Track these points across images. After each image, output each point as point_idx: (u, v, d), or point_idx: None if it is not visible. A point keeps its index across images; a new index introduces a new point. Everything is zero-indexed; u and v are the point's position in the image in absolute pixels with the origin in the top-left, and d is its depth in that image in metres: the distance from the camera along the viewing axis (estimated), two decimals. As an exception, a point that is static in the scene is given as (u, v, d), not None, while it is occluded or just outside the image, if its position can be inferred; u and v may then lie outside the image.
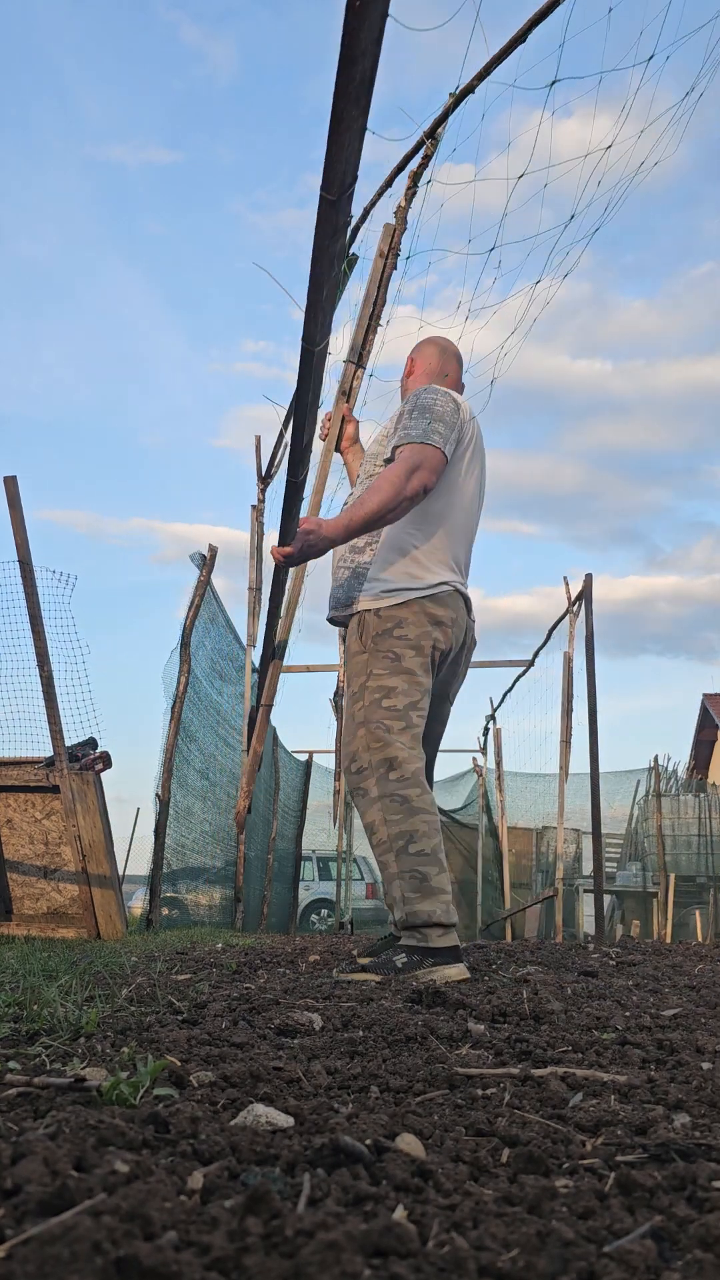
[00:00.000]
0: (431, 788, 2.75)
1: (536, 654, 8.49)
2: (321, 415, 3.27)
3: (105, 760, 4.67)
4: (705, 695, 22.68)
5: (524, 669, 9.03)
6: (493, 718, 11.06)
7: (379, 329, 3.55)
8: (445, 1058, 1.34)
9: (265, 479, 6.22)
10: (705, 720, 22.66)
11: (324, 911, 15.19)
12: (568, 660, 7.02)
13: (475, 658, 2.98)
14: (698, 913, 11.11)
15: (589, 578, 6.38)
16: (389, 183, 3.74)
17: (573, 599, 6.83)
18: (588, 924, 11.83)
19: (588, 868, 12.28)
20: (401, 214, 3.50)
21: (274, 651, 3.01)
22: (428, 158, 3.53)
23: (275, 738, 10.05)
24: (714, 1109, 1.09)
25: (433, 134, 3.45)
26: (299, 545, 2.45)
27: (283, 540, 2.37)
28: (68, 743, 4.58)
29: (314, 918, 15.29)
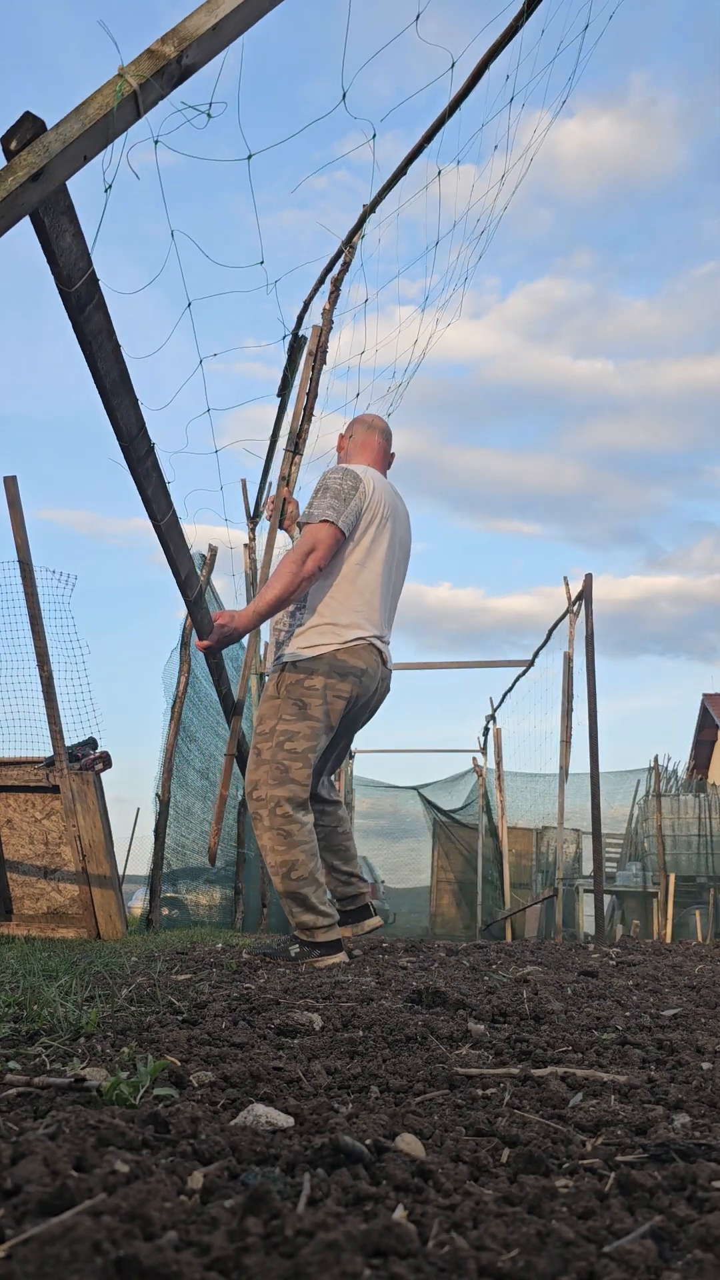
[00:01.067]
0: (339, 794, 3.32)
1: (536, 654, 8.49)
2: (267, 497, 3.77)
3: (105, 760, 4.67)
4: (705, 695, 22.68)
5: (524, 669, 9.03)
6: (493, 718, 11.06)
7: (313, 419, 4.02)
8: (445, 1058, 1.34)
9: (253, 519, 6.30)
10: (705, 720, 22.66)
11: (324, 911, 15.14)
12: (568, 660, 7.02)
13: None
14: (698, 913, 11.11)
15: (589, 577, 6.38)
16: (316, 287, 4.16)
17: (573, 599, 6.84)
18: (588, 924, 11.83)
19: (588, 868, 12.27)
20: (327, 315, 3.89)
21: (233, 708, 3.43)
22: (347, 264, 3.93)
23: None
24: (714, 1109, 1.09)
25: (349, 242, 3.86)
26: (216, 636, 2.99)
27: (200, 634, 2.70)
28: (68, 743, 4.58)
29: (314, 918, 15.23)
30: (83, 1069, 1.15)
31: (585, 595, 6.37)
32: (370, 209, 3.87)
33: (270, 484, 4.13)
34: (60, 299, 1.25)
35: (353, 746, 10.36)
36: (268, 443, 4.93)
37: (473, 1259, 0.62)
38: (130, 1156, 0.78)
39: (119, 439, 1.48)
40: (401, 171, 3.63)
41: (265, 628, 3.60)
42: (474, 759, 12.75)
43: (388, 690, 3.37)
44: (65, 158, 1.14)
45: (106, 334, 1.34)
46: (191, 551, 6.47)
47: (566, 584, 7.03)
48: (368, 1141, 0.88)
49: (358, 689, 3.16)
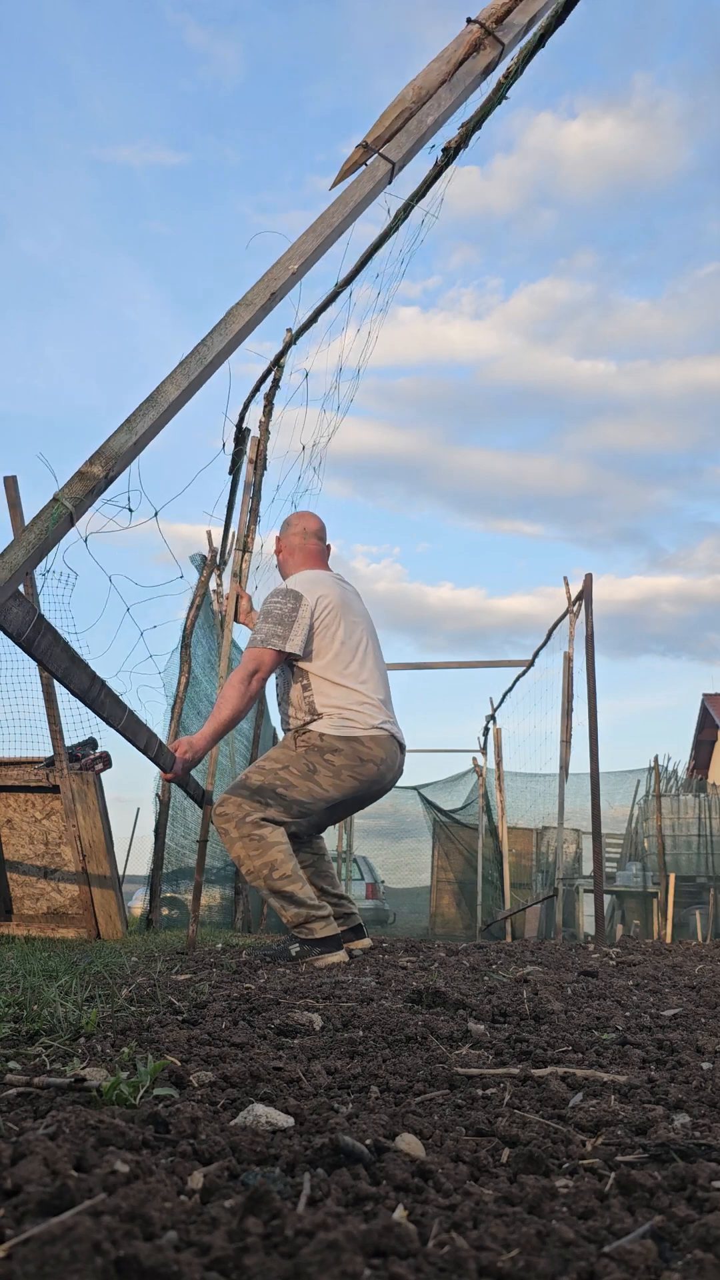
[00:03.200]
0: (321, 836, 3.63)
1: (536, 654, 8.49)
2: (229, 589, 4.20)
3: (105, 760, 4.67)
4: (705, 695, 22.68)
5: (524, 669, 9.03)
6: (493, 718, 11.05)
7: (259, 521, 4.45)
8: (445, 1058, 1.34)
9: (219, 566, 6.41)
10: (705, 720, 22.66)
11: (324, 911, 15.15)
12: (568, 660, 7.01)
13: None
14: (698, 913, 11.11)
15: (589, 577, 6.38)
16: (248, 401, 4.56)
17: (572, 599, 6.83)
18: (588, 924, 11.83)
19: (588, 868, 12.27)
20: (263, 427, 4.25)
21: (202, 798, 3.64)
22: (276, 381, 4.29)
23: (276, 738, 10.04)
24: (714, 1109, 1.09)
25: (278, 362, 4.21)
26: (180, 767, 3.09)
27: (163, 767, 2.86)
28: (68, 743, 4.58)
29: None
30: (83, 1069, 1.15)
31: (585, 595, 6.37)
32: (293, 339, 4.21)
33: (233, 534, 4.50)
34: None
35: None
36: (223, 517, 5.35)
37: (473, 1259, 0.62)
38: (130, 1156, 0.78)
39: (75, 696, 1.71)
40: (323, 308, 3.93)
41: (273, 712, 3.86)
42: (474, 759, 12.74)
43: (400, 774, 3.49)
44: (13, 580, 1.36)
45: (53, 641, 1.55)
46: (191, 553, 6.46)
47: (566, 584, 7.03)
48: (368, 1141, 0.88)
49: (374, 774, 3.30)
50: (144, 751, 2.39)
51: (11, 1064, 1.19)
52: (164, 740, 6.06)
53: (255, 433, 4.47)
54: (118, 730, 2.03)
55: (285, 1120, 0.96)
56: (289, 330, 4.25)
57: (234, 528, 4.66)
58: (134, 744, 2.25)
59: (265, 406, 4.34)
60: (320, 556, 3.67)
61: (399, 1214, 0.71)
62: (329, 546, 3.74)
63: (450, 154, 2.89)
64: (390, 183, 1.88)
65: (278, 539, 3.75)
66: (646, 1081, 1.21)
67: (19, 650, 1.48)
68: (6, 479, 4.47)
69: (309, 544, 3.65)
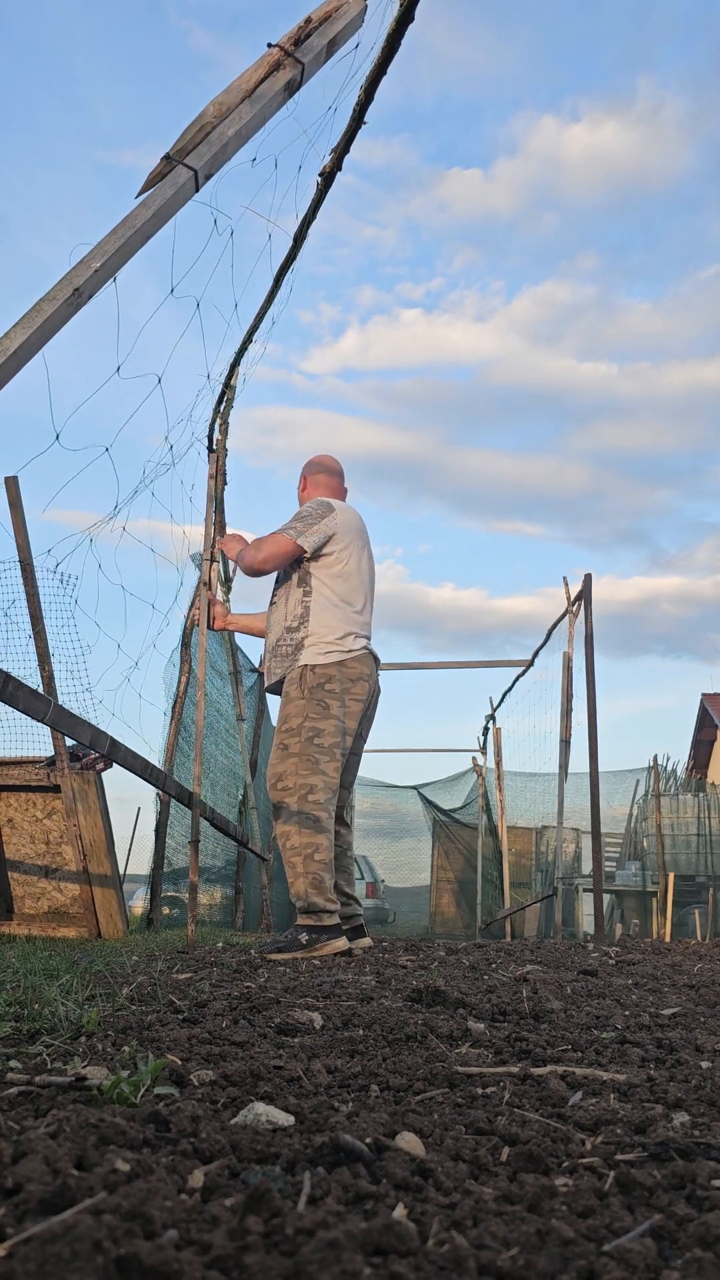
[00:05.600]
0: (350, 818, 3.88)
1: (536, 654, 8.49)
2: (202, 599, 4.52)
3: (106, 760, 4.67)
4: (704, 695, 22.67)
5: (523, 669, 9.03)
6: (492, 717, 11.05)
7: (223, 531, 4.74)
8: (445, 1056, 1.34)
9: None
10: (704, 720, 22.64)
11: (324, 911, 15.14)
12: (567, 660, 7.01)
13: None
14: (697, 912, 11.12)
15: (588, 578, 6.38)
16: (212, 423, 4.77)
17: (572, 599, 6.83)
18: (587, 923, 11.83)
19: (587, 867, 12.27)
20: (220, 444, 4.57)
21: (190, 800, 3.92)
22: (230, 404, 4.60)
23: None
24: (713, 1108, 1.09)
25: (228, 383, 4.52)
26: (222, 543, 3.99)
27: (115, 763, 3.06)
28: (68, 742, 4.58)
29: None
30: (84, 1068, 1.15)
31: (584, 595, 6.37)
32: (237, 357, 4.40)
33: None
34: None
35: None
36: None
37: (473, 1257, 0.62)
38: (131, 1155, 0.78)
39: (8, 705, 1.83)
40: (253, 329, 4.15)
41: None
42: (474, 758, 12.74)
43: (380, 691, 3.85)
44: None
45: (14, 689, 1.61)
46: (191, 552, 6.48)
47: (566, 584, 7.03)
48: (368, 1140, 0.88)
49: (366, 692, 3.60)
50: (89, 745, 2.45)
51: (12, 1063, 1.19)
52: (163, 739, 6.06)
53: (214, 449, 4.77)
54: (45, 723, 2.10)
55: (285, 1119, 0.96)
56: (232, 364, 4.51)
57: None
58: (74, 738, 2.31)
59: (221, 425, 4.63)
60: (340, 492, 4.04)
61: (399, 1212, 0.71)
62: (346, 489, 4.09)
63: (327, 178, 3.16)
64: (198, 190, 2.03)
65: (302, 476, 4.08)
66: (646, 1080, 1.22)
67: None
68: (7, 479, 4.47)
69: (332, 480, 4.01)
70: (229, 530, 4.52)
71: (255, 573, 3.64)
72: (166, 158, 2.00)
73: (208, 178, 2.04)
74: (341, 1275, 0.57)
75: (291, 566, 3.72)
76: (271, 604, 3.84)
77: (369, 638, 3.72)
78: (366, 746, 4.01)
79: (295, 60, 2.19)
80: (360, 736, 3.74)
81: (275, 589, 3.84)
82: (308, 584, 3.65)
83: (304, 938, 3.27)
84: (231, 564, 5.02)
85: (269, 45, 2.18)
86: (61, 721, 2.15)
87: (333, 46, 2.30)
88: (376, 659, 3.73)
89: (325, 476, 4.00)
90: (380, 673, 3.85)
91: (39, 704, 2.00)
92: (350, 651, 3.58)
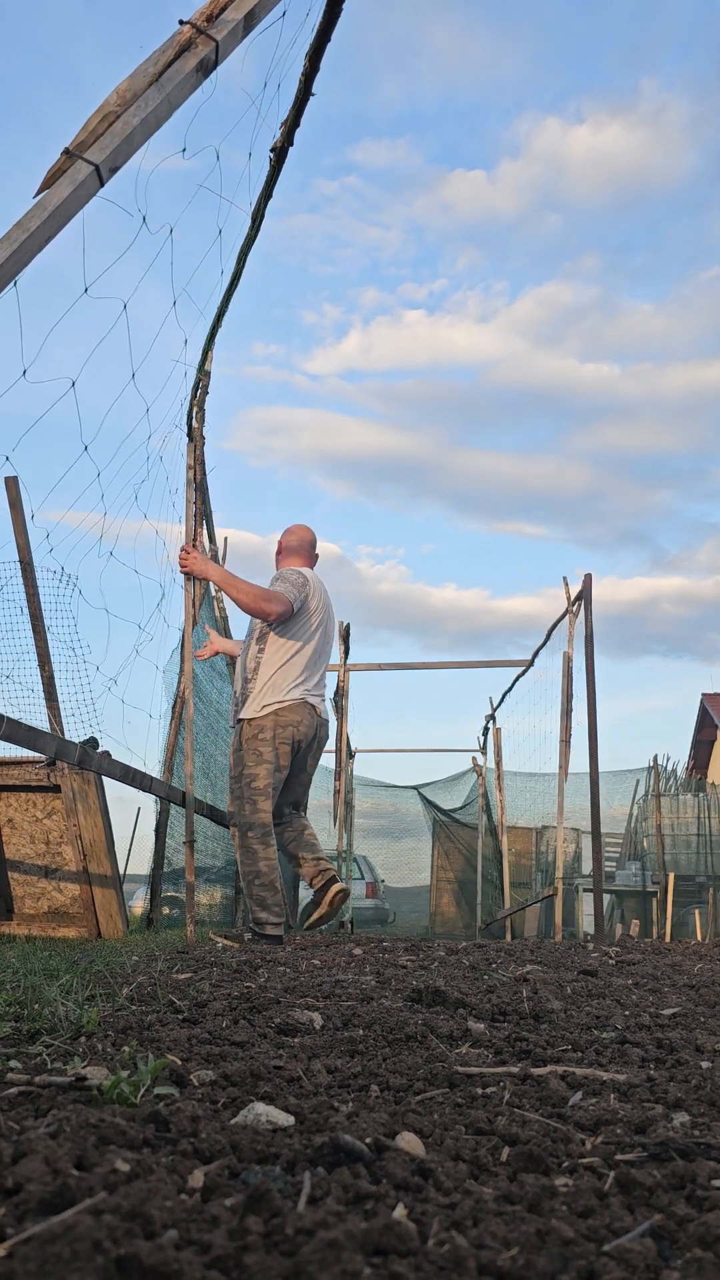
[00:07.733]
0: (304, 817, 4.53)
1: (536, 654, 8.48)
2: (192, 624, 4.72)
3: (105, 760, 4.66)
4: (704, 695, 22.66)
5: (523, 669, 9.03)
6: (492, 717, 11.05)
7: (208, 519, 5.03)
8: (445, 1056, 1.34)
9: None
10: (704, 720, 22.63)
11: (324, 911, 15.12)
12: (567, 660, 7.01)
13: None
14: (697, 912, 11.12)
15: (588, 578, 6.38)
16: (190, 411, 4.81)
17: (572, 599, 6.83)
18: (587, 923, 11.82)
19: (587, 867, 12.27)
20: (197, 433, 4.63)
21: (184, 800, 4.26)
22: (205, 390, 4.70)
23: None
24: (713, 1108, 1.09)
25: (202, 367, 4.56)
26: (182, 555, 4.12)
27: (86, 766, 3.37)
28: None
29: (314, 917, 15.22)
30: (84, 1068, 1.15)
31: (585, 595, 6.37)
32: (208, 343, 4.43)
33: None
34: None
35: (353, 746, 10.35)
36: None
37: (473, 1257, 0.62)
38: (131, 1155, 0.78)
39: None
40: (220, 315, 4.26)
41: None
42: (474, 759, 12.74)
43: (326, 736, 4.43)
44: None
45: None
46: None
47: (566, 584, 7.03)
48: (368, 1140, 0.88)
49: (298, 736, 4.17)
50: (59, 757, 2.43)
51: (12, 1063, 1.19)
52: (163, 740, 6.06)
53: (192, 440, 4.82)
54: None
55: (285, 1119, 0.96)
56: (202, 372, 4.59)
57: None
58: (37, 751, 2.28)
59: (198, 413, 4.73)
60: (312, 561, 4.59)
61: (399, 1212, 0.71)
62: (317, 555, 4.66)
63: (280, 154, 3.13)
64: (103, 185, 1.90)
65: (279, 541, 4.57)
66: (646, 1080, 1.22)
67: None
68: (7, 479, 4.47)
69: (302, 549, 4.55)
70: (200, 540, 4.72)
71: (259, 616, 4.12)
72: (66, 152, 1.87)
73: (112, 171, 1.90)
74: (341, 1275, 0.57)
75: (256, 620, 4.24)
76: (238, 663, 4.38)
77: (320, 696, 4.30)
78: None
79: (208, 38, 2.02)
80: (303, 768, 4.35)
81: (245, 638, 4.39)
82: (264, 643, 4.20)
83: (247, 936, 4.07)
84: (212, 586, 5.30)
85: (180, 22, 2.03)
86: (18, 736, 2.10)
87: (251, 20, 2.13)
88: (317, 710, 4.25)
89: (297, 544, 4.52)
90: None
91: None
92: (283, 701, 4.13)
